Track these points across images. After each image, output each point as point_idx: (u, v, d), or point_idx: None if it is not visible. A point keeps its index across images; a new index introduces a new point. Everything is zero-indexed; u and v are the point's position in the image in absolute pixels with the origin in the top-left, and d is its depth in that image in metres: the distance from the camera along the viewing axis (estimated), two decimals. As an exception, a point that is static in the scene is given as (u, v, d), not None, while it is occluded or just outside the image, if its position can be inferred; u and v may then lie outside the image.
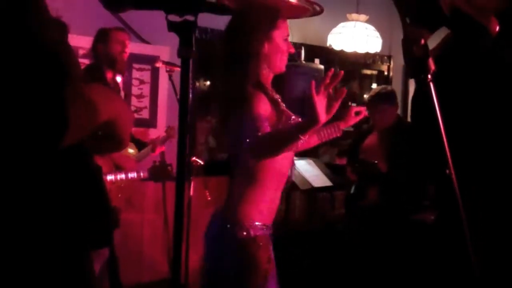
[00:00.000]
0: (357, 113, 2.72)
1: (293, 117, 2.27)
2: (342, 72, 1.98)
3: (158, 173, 3.76)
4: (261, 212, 2.24)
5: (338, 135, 2.72)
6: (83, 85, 1.18)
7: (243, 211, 2.21)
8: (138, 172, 3.70)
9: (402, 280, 3.83)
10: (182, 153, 1.14)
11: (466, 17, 1.37)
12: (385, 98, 4.27)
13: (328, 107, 1.94)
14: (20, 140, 1.02)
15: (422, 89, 1.16)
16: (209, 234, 2.32)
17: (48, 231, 1.13)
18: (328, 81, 1.93)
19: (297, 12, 2.59)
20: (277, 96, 2.29)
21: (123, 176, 3.63)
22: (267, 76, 2.30)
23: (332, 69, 1.96)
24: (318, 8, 2.41)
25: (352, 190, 4.25)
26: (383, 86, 4.87)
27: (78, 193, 1.22)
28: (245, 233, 2.19)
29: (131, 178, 3.69)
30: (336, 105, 1.96)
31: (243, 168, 2.26)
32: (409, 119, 6.48)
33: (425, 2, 1.29)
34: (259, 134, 2.04)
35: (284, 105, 2.30)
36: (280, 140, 2.06)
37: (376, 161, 4.06)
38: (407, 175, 3.93)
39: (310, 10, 2.45)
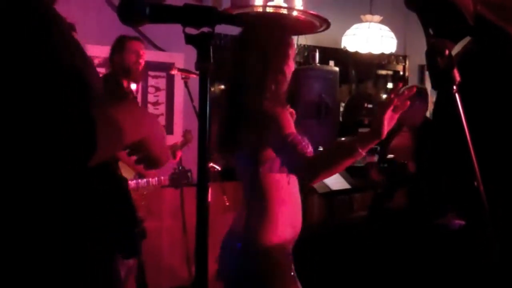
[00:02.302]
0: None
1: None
2: (414, 88, 2.00)
3: (178, 179, 3.78)
4: (282, 233, 2.15)
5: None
6: (111, 105, 1.20)
7: (262, 235, 2.12)
8: (159, 178, 3.72)
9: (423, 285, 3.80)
10: (202, 161, 1.14)
11: (491, 25, 1.35)
12: (419, 94, 4.27)
13: (389, 119, 1.93)
14: (49, 157, 1.04)
15: (446, 101, 1.15)
16: (226, 255, 2.22)
17: (78, 242, 1.15)
18: (396, 93, 1.92)
19: (304, 30, 2.59)
20: (291, 110, 2.24)
21: (144, 181, 3.65)
22: (283, 91, 2.22)
23: (401, 84, 1.95)
24: (325, 25, 2.41)
25: (380, 191, 4.14)
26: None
27: (106, 204, 1.23)
28: (265, 260, 2.11)
29: (153, 184, 3.70)
30: (396, 117, 1.94)
31: (257, 186, 2.16)
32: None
33: (448, 12, 1.27)
34: (307, 155, 1.97)
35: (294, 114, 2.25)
36: (336, 158, 1.99)
37: (405, 161, 4.00)
38: (434, 178, 3.88)
39: (317, 26, 2.45)
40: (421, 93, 4.26)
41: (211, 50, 1.11)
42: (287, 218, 2.17)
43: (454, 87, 1.14)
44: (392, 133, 4.27)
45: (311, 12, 2.49)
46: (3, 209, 1.07)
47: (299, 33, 2.46)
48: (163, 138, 1.33)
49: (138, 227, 2.01)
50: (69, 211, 1.13)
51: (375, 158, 4.18)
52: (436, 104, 1.80)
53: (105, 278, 1.22)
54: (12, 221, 1.07)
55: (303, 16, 2.37)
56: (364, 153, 1.92)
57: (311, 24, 2.50)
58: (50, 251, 1.11)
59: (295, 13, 2.36)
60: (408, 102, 1.93)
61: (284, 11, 2.31)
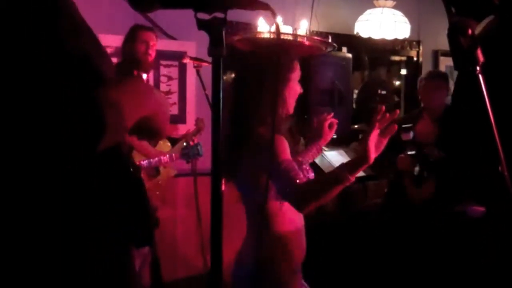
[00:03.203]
0: (330, 126, 2.57)
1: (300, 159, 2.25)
2: (398, 111, 1.96)
3: (189, 152, 3.80)
4: (291, 256, 2.18)
5: (320, 153, 2.63)
6: (118, 82, 1.18)
7: (273, 263, 2.14)
8: (170, 155, 3.73)
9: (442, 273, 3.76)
10: (216, 151, 1.12)
11: None
12: (444, 76, 4.25)
13: (377, 143, 1.92)
14: (59, 143, 1.03)
15: (469, 82, 1.11)
16: (238, 278, 2.23)
17: (90, 232, 1.14)
18: (379, 117, 1.91)
19: (309, 52, 2.56)
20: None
21: (156, 160, 3.65)
22: (282, 117, 2.23)
23: (383, 107, 1.92)
24: (330, 48, 2.38)
25: (397, 179, 4.04)
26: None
27: (119, 193, 1.22)
28: (275, 281, 2.13)
29: (164, 161, 3.72)
30: (385, 142, 1.93)
31: (258, 211, 2.16)
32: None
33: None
34: (298, 183, 1.96)
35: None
36: (326, 185, 1.98)
37: (434, 145, 3.92)
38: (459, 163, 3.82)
39: (323, 49, 2.43)
40: (446, 76, 4.22)
41: (224, 35, 1.08)
42: (293, 242, 2.20)
43: (478, 68, 1.10)
44: (415, 118, 4.20)
45: (316, 38, 2.46)
46: (11, 198, 1.05)
47: (303, 55, 2.40)
48: (168, 113, 1.34)
49: (151, 216, 2.01)
50: (80, 200, 1.12)
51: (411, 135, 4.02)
52: (457, 85, 1.76)
53: (118, 269, 1.20)
54: (20, 210, 1.06)
55: (307, 42, 2.34)
56: (353, 179, 1.93)
57: (317, 48, 2.48)
58: (60, 242, 1.09)
59: (299, 39, 2.33)
60: (395, 126, 1.93)
61: (288, 37, 2.28)
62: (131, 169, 1.26)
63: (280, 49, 2.08)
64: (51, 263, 1.09)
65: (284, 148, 2.06)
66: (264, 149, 2.03)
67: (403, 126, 3.87)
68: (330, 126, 2.56)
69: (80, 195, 1.12)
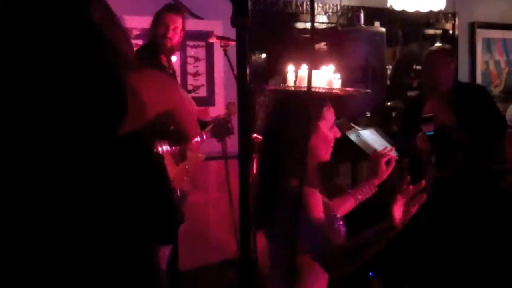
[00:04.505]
0: (388, 163, 2.43)
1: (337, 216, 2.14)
2: (423, 183, 1.89)
3: (219, 130, 3.71)
4: None
5: (374, 191, 2.47)
6: (137, 74, 1.14)
7: None
8: (201, 136, 3.64)
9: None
10: (244, 130, 1.04)
11: None
12: (451, 53, 4.05)
13: (405, 212, 1.83)
14: (80, 129, 1.00)
15: None
16: None
17: (112, 226, 1.08)
18: (404, 187, 1.84)
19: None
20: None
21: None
22: (313, 167, 2.15)
23: (408, 177, 1.86)
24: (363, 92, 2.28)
25: (433, 160, 3.86)
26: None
27: (139, 185, 1.15)
28: None
29: (195, 142, 3.62)
30: (414, 210, 1.85)
31: (289, 262, 2.05)
32: (478, 81, 6.15)
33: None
34: (330, 248, 1.88)
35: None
36: (358, 253, 1.89)
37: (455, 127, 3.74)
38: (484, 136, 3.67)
39: (357, 95, 2.31)
40: (453, 52, 4.01)
41: (248, 2, 0.97)
42: None
43: None
44: (419, 100, 4.00)
45: (349, 89, 2.35)
46: (27, 181, 1.00)
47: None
48: (193, 112, 1.27)
49: (176, 213, 1.93)
50: (100, 192, 1.06)
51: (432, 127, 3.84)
52: None
53: (142, 267, 1.12)
54: (35, 193, 1.01)
55: (341, 93, 2.23)
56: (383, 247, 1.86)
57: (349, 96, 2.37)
58: (78, 237, 1.03)
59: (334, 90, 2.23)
60: (425, 195, 1.84)
61: (321, 90, 2.18)
62: (153, 160, 1.17)
63: (307, 99, 2.03)
64: (62, 257, 1.03)
65: (316, 203, 1.97)
66: (293, 204, 1.92)
67: (424, 116, 3.70)
68: (388, 163, 2.44)
69: (98, 183, 1.06)
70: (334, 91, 2.19)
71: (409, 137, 3.80)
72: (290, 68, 2.25)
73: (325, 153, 2.18)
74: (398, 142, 4.15)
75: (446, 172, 3.70)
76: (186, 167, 3.73)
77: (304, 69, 2.14)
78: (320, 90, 2.18)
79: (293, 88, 2.23)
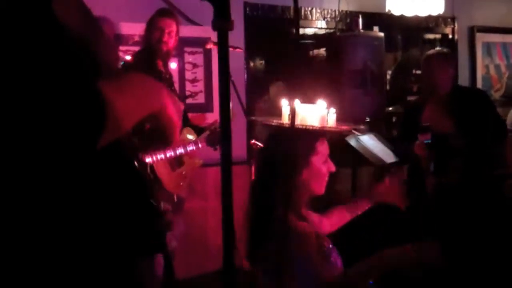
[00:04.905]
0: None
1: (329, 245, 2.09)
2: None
3: (215, 138, 3.67)
4: None
5: (369, 205, 2.48)
6: (116, 81, 1.11)
7: None
8: (196, 144, 3.61)
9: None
10: (225, 133, 1.00)
11: None
12: (451, 57, 4.03)
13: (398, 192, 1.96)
14: (59, 139, 0.96)
15: None
16: None
17: (90, 240, 1.05)
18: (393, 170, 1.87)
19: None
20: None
21: (182, 150, 3.53)
22: (307, 201, 2.16)
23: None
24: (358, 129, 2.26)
25: (432, 168, 3.81)
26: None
27: (121, 194, 1.12)
28: None
29: (190, 151, 3.60)
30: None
31: None
32: (478, 86, 6.12)
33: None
34: (324, 282, 1.89)
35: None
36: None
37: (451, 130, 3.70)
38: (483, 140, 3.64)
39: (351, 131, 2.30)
40: (452, 57, 3.98)
41: (229, 6, 0.94)
42: None
43: None
44: (418, 105, 3.96)
45: (344, 127, 2.34)
46: (8, 194, 0.97)
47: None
48: (179, 113, 1.23)
49: (161, 220, 1.89)
50: (78, 200, 1.02)
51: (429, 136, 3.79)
52: None
53: (124, 278, 1.09)
54: (16, 212, 0.97)
55: (334, 129, 2.22)
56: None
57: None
58: (56, 251, 1.00)
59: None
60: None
61: (314, 127, 2.17)
62: (136, 168, 1.14)
63: (297, 135, 2.07)
64: (47, 266, 1.00)
65: (311, 246, 1.96)
66: (285, 238, 1.92)
67: (421, 126, 3.65)
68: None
69: (79, 194, 1.02)
70: (327, 129, 2.17)
71: (407, 142, 3.76)
72: (284, 103, 2.25)
73: (318, 187, 2.16)
74: (397, 147, 4.13)
75: (445, 179, 3.67)
76: (183, 172, 3.69)
77: (297, 104, 2.13)
78: (313, 127, 2.16)
79: (286, 125, 2.21)
